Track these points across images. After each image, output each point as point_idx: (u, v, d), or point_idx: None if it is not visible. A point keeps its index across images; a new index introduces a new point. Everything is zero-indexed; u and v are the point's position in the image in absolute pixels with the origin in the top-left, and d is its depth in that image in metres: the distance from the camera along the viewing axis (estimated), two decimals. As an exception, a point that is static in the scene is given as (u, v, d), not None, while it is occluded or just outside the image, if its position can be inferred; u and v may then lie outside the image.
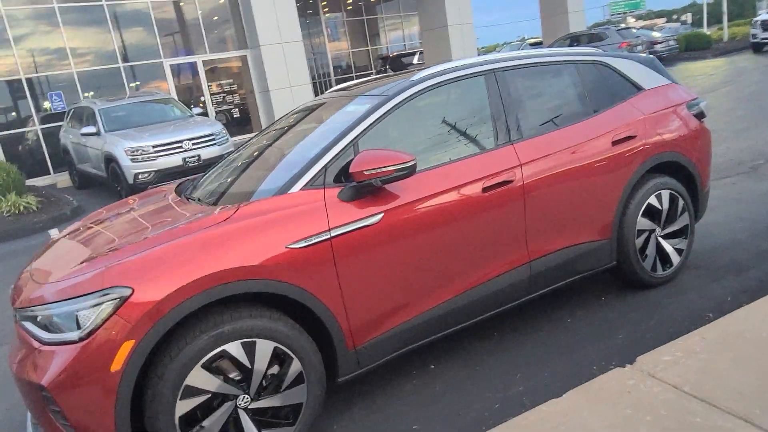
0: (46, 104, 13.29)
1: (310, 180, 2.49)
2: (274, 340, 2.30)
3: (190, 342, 2.15)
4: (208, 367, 2.19)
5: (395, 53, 23.28)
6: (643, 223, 3.40)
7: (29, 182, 12.46)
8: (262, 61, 14.84)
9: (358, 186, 2.47)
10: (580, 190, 3.12)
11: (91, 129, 9.67)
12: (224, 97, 16.34)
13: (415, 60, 21.63)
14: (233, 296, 2.26)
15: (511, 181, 2.87)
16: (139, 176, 8.84)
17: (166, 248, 2.18)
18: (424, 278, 2.67)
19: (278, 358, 2.33)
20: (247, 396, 2.29)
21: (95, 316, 2.04)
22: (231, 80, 16.57)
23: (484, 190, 2.79)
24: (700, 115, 3.69)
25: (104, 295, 2.05)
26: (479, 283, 2.84)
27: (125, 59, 14.14)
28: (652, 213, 3.44)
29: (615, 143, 3.24)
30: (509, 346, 3.11)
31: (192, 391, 2.17)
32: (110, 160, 9.14)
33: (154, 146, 8.87)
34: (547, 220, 3.02)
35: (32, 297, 2.23)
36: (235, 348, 2.23)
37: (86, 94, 13.42)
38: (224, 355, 2.22)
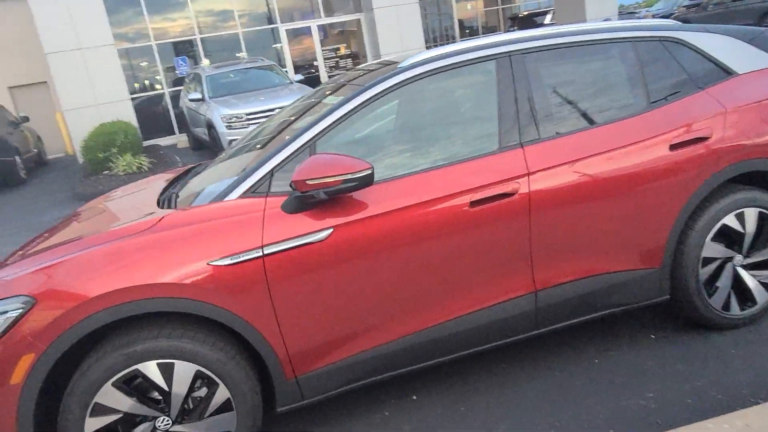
0: (173, 69, 14.31)
1: (252, 187, 2.19)
2: (196, 362, 2.08)
3: (100, 358, 2.01)
4: (119, 386, 2.04)
5: (526, 12, 21.78)
6: (713, 249, 2.63)
7: (154, 141, 13.65)
8: (375, 24, 14.56)
9: (302, 197, 2.12)
10: (615, 208, 2.46)
11: (198, 95, 10.18)
12: (337, 62, 16.40)
13: (547, 20, 20.08)
14: (155, 313, 2.07)
15: (511, 194, 2.32)
16: (233, 143, 9.15)
17: (79, 257, 2.03)
18: (385, 306, 2.27)
19: (203, 381, 2.12)
20: (168, 418, 2.12)
21: (4, 323, 1.96)
22: (344, 45, 16.56)
23: (473, 204, 2.28)
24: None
25: (7, 303, 1.96)
26: (461, 315, 2.37)
27: (242, 25, 14.67)
28: (728, 237, 2.66)
29: (674, 147, 2.50)
30: (507, 385, 2.62)
31: (102, 410, 2.04)
32: (210, 126, 9.57)
33: (247, 114, 9.09)
34: (563, 243, 2.43)
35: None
36: (151, 368, 2.05)
37: (203, 60, 14.19)
38: (137, 374, 2.05)
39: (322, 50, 16.07)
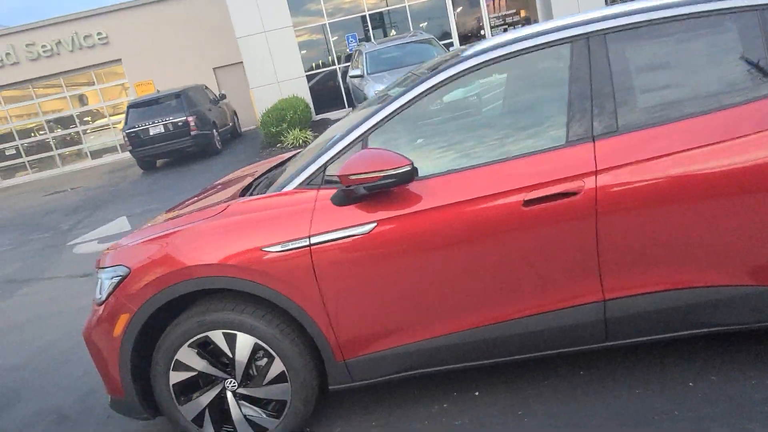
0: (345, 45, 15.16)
1: (307, 179, 2.32)
2: (254, 335, 2.33)
3: (180, 324, 2.36)
4: (194, 348, 2.38)
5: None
6: None
7: (326, 115, 14.72)
8: (546, -14, 13.69)
9: (347, 190, 2.19)
10: (712, 213, 2.09)
11: (358, 71, 10.69)
12: (505, 29, 15.78)
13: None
14: (230, 290, 2.35)
15: (574, 194, 2.11)
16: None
17: (162, 236, 2.38)
18: (434, 301, 2.25)
19: (262, 353, 2.37)
20: (234, 381, 2.41)
21: (108, 286, 2.41)
22: (514, 11, 15.84)
23: (527, 203, 2.13)
24: None
25: (114, 271, 2.40)
26: (519, 317, 2.25)
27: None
28: None
29: (803, 141, 2.02)
30: (577, 397, 2.43)
31: (181, 366, 2.40)
32: (366, 101, 10.01)
33: (399, 89, 9.30)
34: (638, 252, 2.14)
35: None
36: (218, 336, 2.35)
37: (392, 32, 14.72)
38: (208, 341, 2.36)
39: (489, 18, 15.60)
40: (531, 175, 2.14)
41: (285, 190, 2.34)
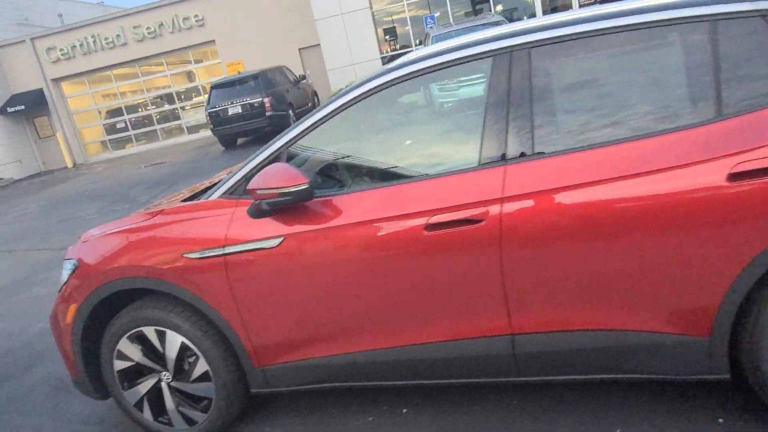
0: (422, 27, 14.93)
1: (229, 189, 2.37)
2: (182, 334, 2.45)
3: (120, 317, 2.54)
4: (134, 340, 2.55)
5: None
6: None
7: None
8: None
9: (257, 204, 2.21)
10: (624, 252, 1.88)
11: (422, 56, 10.51)
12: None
13: None
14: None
15: (478, 221, 1.99)
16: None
17: (104, 236, 2.56)
18: (340, 319, 2.24)
19: (189, 352, 2.49)
20: (168, 374, 2.57)
21: (65, 276, 2.64)
22: (607, -12, 14.71)
23: (428, 228, 2.04)
24: None
25: (69, 263, 2.62)
26: (427, 342, 2.18)
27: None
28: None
29: (735, 177, 1.76)
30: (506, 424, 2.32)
31: (123, 355, 2.58)
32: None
33: (458, 76, 9.05)
34: (546, 286, 1.98)
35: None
36: (151, 332, 2.50)
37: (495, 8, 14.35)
38: (143, 335, 2.53)
39: (579, -4, 14.62)
40: (436, 198, 2.05)
41: (210, 199, 2.42)
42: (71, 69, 19.53)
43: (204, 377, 2.49)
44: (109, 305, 2.58)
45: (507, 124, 2.02)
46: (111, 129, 20.84)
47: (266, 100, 13.03)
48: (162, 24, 18.64)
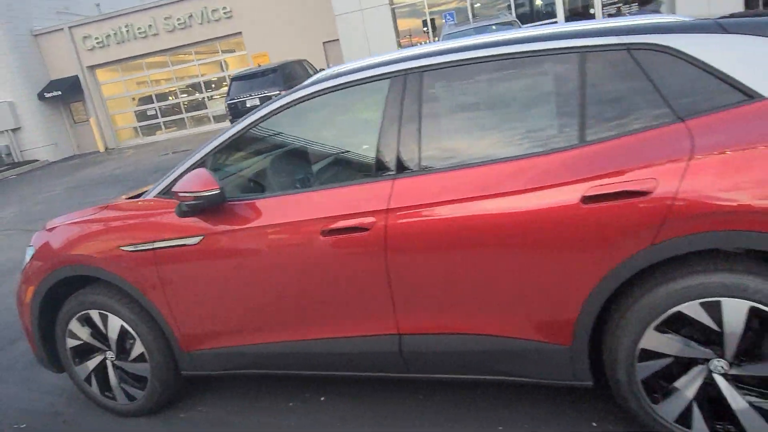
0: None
1: (164, 189, 2.61)
2: (122, 318, 2.72)
3: (71, 299, 2.82)
4: (82, 321, 2.83)
5: None
6: (656, 341, 1.94)
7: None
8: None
9: (179, 206, 2.45)
10: (486, 266, 2.05)
11: (432, 55, 10.61)
12: (619, 8, 14.49)
13: None
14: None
15: (366, 230, 2.17)
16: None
17: (58, 228, 2.83)
18: (252, 312, 2.47)
19: (128, 334, 2.76)
20: (112, 353, 2.84)
21: (26, 259, 2.94)
22: (631, -12, 14.45)
23: (324, 233, 2.24)
24: None
25: (30, 248, 2.91)
26: (335, 336, 2.39)
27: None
28: (684, 327, 1.92)
29: (589, 200, 1.89)
30: (403, 423, 2.52)
31: (73, 334, 2.86)
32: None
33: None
34: (426, 291, 2.16)
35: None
36: (95, 315, 2.78)
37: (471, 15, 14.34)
38: (88, 317, 2.80)
39: (602, -4, 14.40)
40: (332, 206, 2.24)
41: (147, 197, 2.67)
42: (106, 57, 20.26)
43: (141, 358, 2.75)
44: (65, 288, 2.87)
45: (398, 141, 2.19)
46: (142, 116, 21.56)
47: (284, 92, 13.30)
48: (191, 15, 19.14)
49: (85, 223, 2.77)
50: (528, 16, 14.77)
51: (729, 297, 1.83)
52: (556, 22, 14.32)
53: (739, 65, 1.84)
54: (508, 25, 10.65)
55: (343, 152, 2.43)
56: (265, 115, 2.44)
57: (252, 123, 2.46)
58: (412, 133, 2.18)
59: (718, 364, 1.91)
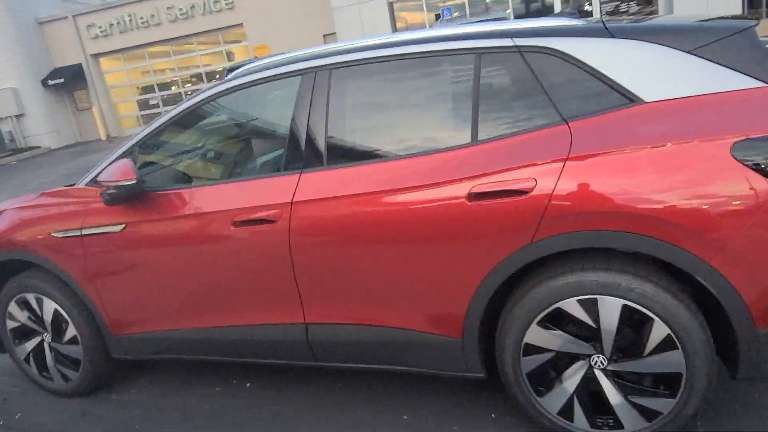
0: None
1: (93, 178, 2.69)
2: (55, 302, 2.81)
3: (10, 282, 2.92)
4: (19, 304, 2.93)
5: None
6: (539, 336, 2.00)
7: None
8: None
9: (102, 194, 2.53)
10: (382, 260, 2.11)
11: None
12: (617, 5, 14.39)
13: None
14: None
15: (272, 221, 2.25)
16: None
17: (5, 210, 2.93)
18: (171, 299, 2.55)
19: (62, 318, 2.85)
20: (48, 335, 2.94)
21: None
22: (631, -14, 14.34)
23: (235, 224, 2.31)
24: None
25: None
26: (248, 324, 2.47)
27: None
28: (564, 323, 1.98)
29: (474, 197, 1.95)
30: (323, 408, 2.60)
31: (12, 316, 2.97)
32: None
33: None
34: (329, 283, 2.23)
35: None
36: (31, 298, 2.87)
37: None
38: (25, 300, 2.90)
39: (601, -6, 14.31)
40: (244, 198, 2.31)
41: (78, 186, 2.75)
42: (109, 46, 20.42)
43: (74, 340, 2.85)
44: (3, 271, 2.97)
45: (306, 137, 2.26)
46: (144, 105, 21.72)
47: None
48: (194, 6, 19.22)
49: (23, 209, 2.86)
50: (536, 13, 14.73)
51: (604, 295, 1.89)
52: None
53: (622, 69, 1.89)
54: (498, 21, 10.64)
55: (258, 146, 2.50)
56: (187, 108, 2.51)
57: (174, 116, 2.53)
58: (319, 129, 2.24)
59: (598, 359, 1.98)
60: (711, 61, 1.82)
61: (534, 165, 1.89)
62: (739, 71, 1.79)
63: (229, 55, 20.72)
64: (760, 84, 1.77)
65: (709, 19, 2.00)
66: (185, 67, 21.07)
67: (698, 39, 1.85)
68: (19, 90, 20.02)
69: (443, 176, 2.01)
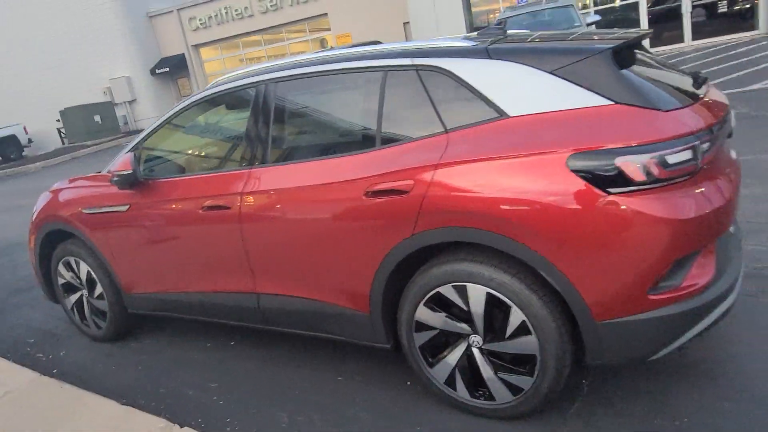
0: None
1: (110, 167, 3.34)
2: (87, 265, 3.53)
3: (58, 247, 3.69)
4: (65, 265, 3.69)
5: None
6: (426, 314, 2.35)
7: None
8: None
9: (111, 180, 3.16)
10: (307, 243, 2.53)
11: (484, 39, 10.68)
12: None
13: None
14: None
15: (228, 208, 2.74)
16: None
17: (55, 189, 3.68)
18: (166, 267, 3.14)
19: (94, 278, 3.57)
20: (86, 291, 3.68)
21: (32, 216, 3.84)
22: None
23: (203, 209, 2.84)
24: (611, 177, 1.89)
25: (35, 205, 3.81)
26: (215, 291, 3.01)
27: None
28: (444, 305, 2.30)
29: (370, 195, 2.32)
30: (301, 370, 3.11)
31: (60, 274, 3.74)
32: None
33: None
34: (270, 260, 2.70)
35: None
36: (72, 261, 3.62)
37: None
38: (68, 262, 3.65)
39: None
40: (209, 188, 2.83)
41: (103, 173, 3.42)
42: (208, 36, 22.15)
43: (101, 296, 3.56)
44: (57, 237, 3.74)
45: (255, 139, 2.72)
46: (238, 91, 23.35)
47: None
48: (283, -3, 20.34)
49: (65, 190, 3.59)
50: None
51: (472, 283, 2.19)
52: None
53: (494, 87, 2.16)
54: (565, 7, 10.43)
55: (225, 145, 3.01)
56: (176, 113, 3.07)
57: (167, 119, 3.10)
58: (264, 133, 2.70)
59: (474, 339, 2.29)
60: (567, 80, 2.04)
61: (414, 169, 2.22)
62: (589, 90, 2.00)
63: (323, 42, 21.69)
64: (606, 102, 1.97)
65: (580, 39, 2.20)
66: (275, 55, 22.35)
67: (559, 60, 2.08)
68: (132, 78, 22.32)
69: (350, 176, 2.39)
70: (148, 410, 2.72)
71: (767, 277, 3.10)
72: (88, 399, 2.83)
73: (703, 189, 1.96)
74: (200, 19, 21.82)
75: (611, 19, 14.65)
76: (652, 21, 14.54)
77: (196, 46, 22.66)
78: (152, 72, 22.46)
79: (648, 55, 2.45)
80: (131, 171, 2.97)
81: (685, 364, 2.52)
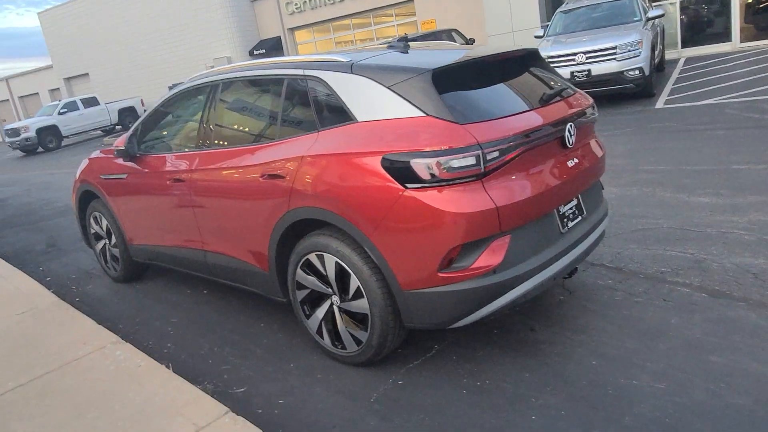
0: None
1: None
2: (105, 218, 4.48)
3: (89, 205, 4.69)
4: (94, 218, 4.68)
5: None
6: (302, 276, 2.94)
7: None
8: None
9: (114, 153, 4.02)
10: (227, 212, 3.21)
11: (541, 32, 10.66)
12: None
13: None
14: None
15: (183, 181, 3.49)
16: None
17: (90, 158, 4.66)
18: (150, 224, 3.98)
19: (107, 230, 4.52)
20: (107, 241, 4.66)
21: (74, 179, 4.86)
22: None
23: (170, 181, 3.61)
24: (405, 173, 2.37)
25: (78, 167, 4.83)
26: (180, 246, 3.80)
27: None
28: (312, 269, 2.88)
29: (265, 177, 2.94)
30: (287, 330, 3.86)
31: (91, 225, 4.76)
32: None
33: (549, 57, 9.23)
34: (210, 224, 3.41)
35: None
36: (98, 215, 4.59)
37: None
38: (96, 216, 4.63)
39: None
40: (175, 164, 3.60)
41: (113, 147, 4.31)
42: (302, 20, 23.42)
43: (115, 245, 4.51)
44: (91, 196, 4.74)
45: (204, 128, 3.44)
46: (327, 73, 24.50)
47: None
48: (371, -17, 20.98)
49: (96, 158, 4.55)
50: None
51: (327, 253, 2.75)
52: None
53: (352, 96, 2.67)
54: (623, 1, 10.13)
55: (190, 130, 3.74)
56: (163, 102, 3.86)
57: (158, 106, 3.91)
58: (209, 123, 3.40)
59: (334, 298, 2.85)
60: (397, 94, 2.52)
61: (290, 159, 2.81)
62: (410, 103, 2.47)
63: (387, 32, 22.17)
64: (420, 114, 2.43)
65: (425, 58, 2.65)
66: (363, 39, 23.17)
67: (396, 77, 2.55)
68: (233, 59, 24.19)
69: (256, 161, 3.02)
70: (112, 330, 3.57)
71: (668, 282, 3.32)
72: (80, 319, 3.74)
73: (491, 187, 2.37)
74: (296, 4, 23.12)
75: (700, 11, 13.71)
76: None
77: (292, 30, 24.06)
78: (250, 53, 24.21)
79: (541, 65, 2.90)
80: (123, 147, 3.82)
81: (528, 343, 2.90)
